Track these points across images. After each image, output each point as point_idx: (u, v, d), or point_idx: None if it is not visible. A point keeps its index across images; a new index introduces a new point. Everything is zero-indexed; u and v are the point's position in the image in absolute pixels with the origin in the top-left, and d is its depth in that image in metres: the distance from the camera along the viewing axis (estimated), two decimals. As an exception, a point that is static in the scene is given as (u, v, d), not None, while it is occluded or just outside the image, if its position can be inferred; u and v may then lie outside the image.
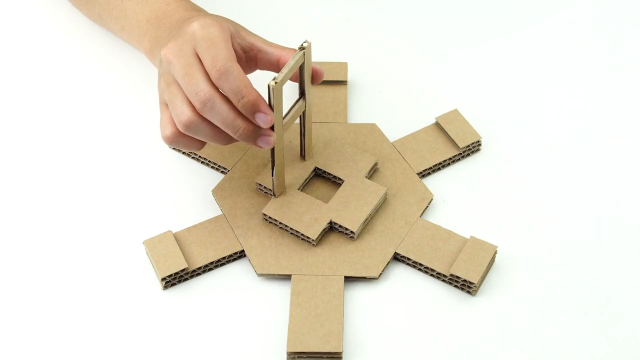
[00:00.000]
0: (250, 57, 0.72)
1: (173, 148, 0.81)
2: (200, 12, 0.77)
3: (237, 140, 0.70)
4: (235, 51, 0.71)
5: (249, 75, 0.71)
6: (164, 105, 0.70)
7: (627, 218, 0.77)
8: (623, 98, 0.86)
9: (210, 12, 0.78)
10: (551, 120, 0.84)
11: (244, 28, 0.73)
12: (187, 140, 0.70)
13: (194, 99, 0.66)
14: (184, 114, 0.67)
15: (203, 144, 0.71)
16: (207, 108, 0.66)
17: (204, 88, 0.66)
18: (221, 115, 0.67)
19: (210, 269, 0.74)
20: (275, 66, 0.72)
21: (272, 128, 0.69)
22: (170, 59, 0.68)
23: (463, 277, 0.71)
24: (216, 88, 0.67)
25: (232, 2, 0.93)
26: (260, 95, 0.67)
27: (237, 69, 0.66)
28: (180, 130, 0.68)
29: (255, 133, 0.68)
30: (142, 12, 0.79)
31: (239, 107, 0.67)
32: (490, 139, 0.82)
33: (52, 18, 0.92)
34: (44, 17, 0.92)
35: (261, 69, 0.74)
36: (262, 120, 0.67)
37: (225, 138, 0.70)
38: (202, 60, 0.67)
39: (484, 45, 0.90)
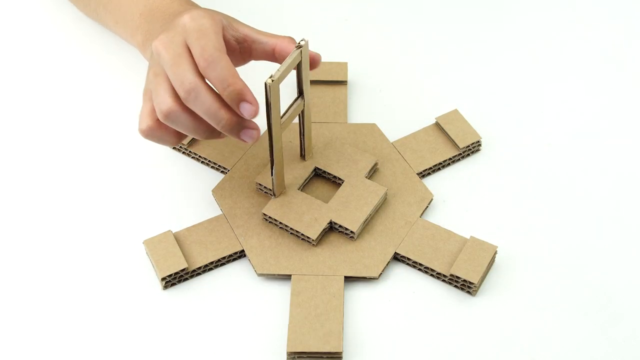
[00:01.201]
0: (245, 48, 0.72)
1: (173, 148, 0.81)
2: (193, 6, 0.76)
3: (218, 136, 0.69)
4: (229, 43, 0.70)
5: (242, 69, 0.71)
6: (148, 97, 0.70)
7: (627, 218, 0.77)
8: (623, 98, 0.86)
9: (208, 10, 0.78)
10: (551, 120, 0.84)
11: (236, 20, 0.72)
12: (162, 134, 0.69)
13: (179, 89, 0.66)
14: (165, 103, 0.66)
15: (179, 139, 0.70)
16: (191, 97, 0.65)
17: (190, 77, 0.65)
18: (205, 105, 0.66)
19: (210, 269, 0.74)
20: (271, 55, 0.72)
21: (269, 128, 0.69)
22: (160, 50, 0.67)
23: (463, 277, 0.71)
24: (202, 78, 0.66)
25: (232, 2, 0.93)
26: (246, 86, 0.66)
27: (225, 59, 0.66)
28: (160, 119, 0.67)
29: (239, 125, 0.67)
30: (136, 6, 0.79)
31: (224, 96, 0.66)
32: (490, 139, 0.82)
33: (52, 17, 0.92)
34: (44, 16, 0.92)
35: (256, 59, 0.73)
36: (247, 110, 0.66)
37: (206, 130, 0.68)
38: (191, 51, 0.67)
39: (483, 45, 0.90)
